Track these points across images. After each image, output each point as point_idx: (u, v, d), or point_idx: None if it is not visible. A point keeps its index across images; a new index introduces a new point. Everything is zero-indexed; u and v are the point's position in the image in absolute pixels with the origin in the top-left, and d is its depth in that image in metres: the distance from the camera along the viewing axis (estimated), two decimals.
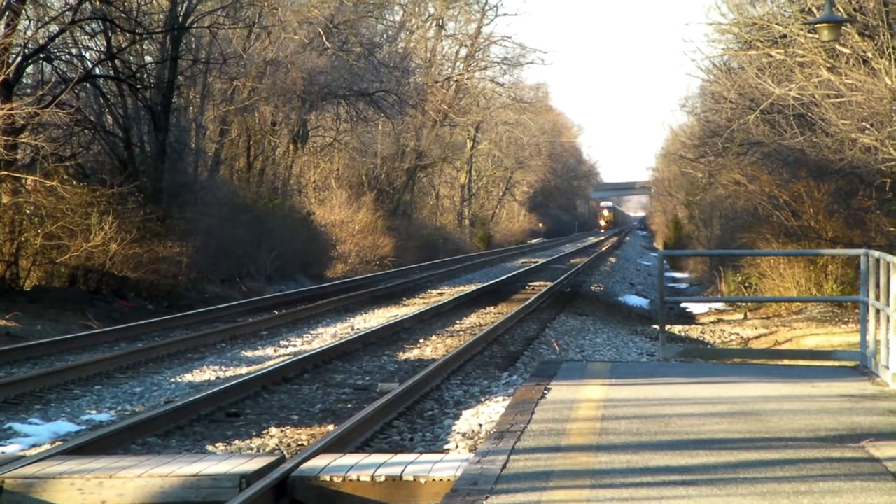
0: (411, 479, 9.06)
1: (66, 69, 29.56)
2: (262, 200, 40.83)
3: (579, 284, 39.10)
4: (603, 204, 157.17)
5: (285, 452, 11.36)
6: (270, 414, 13.80)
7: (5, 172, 26.13)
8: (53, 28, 29.02)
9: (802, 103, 27.40)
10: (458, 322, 25.51)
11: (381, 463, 9.48)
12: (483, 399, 14.41)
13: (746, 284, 33.79)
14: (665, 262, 22.55)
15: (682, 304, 34.42)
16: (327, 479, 9.15)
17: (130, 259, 28.39)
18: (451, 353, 17.95)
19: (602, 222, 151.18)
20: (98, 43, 31.53)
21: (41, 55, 28.42)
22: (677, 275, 55.51)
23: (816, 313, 28.31)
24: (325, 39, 45.34)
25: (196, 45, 36.91)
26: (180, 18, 33.12)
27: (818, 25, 19.40)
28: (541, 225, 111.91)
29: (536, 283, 37.65)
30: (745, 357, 20.14)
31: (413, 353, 19.80)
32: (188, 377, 16.91)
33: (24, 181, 26.91)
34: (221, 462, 9.67)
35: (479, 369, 17.63)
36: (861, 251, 14.72)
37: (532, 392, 12.20)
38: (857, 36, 25.36)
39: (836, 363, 15.63)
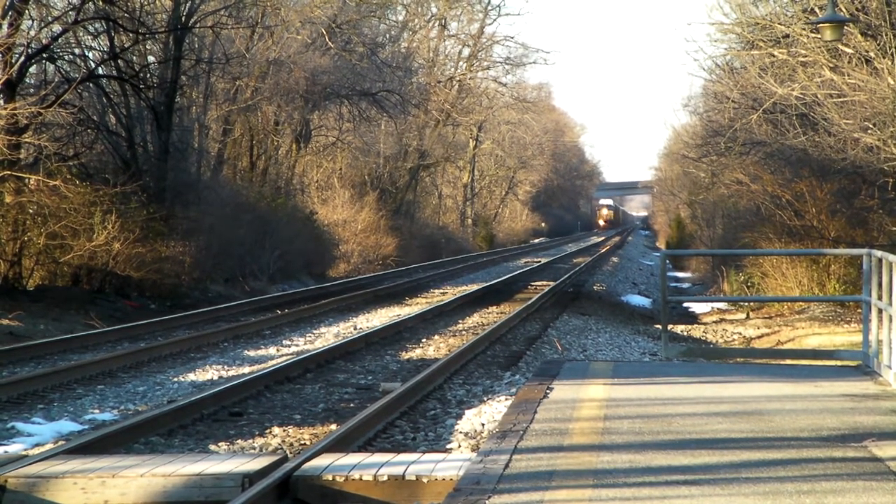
0: (414, 478, 9.07)
1: (69, 69, 29.59)
2: (265, 200, 40.86)
3: (582, 284, 39.10)
4: (602, 202, 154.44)
5: (288, 452, 11.37)
6: (273, 413, 13.81)
7: (9, 172, 26.16)
8: (56, 28, 29.05)
9: (805, 103, 27.41)
10: (460, 321, 25.52)
11: (383, 462, 9.49)
12: (485, 398, 14.41)
13: (749, 284, 33.80)
14: (668, 261, 22.54)
15: (685, 304, 34.42)
16: (330, 478, 9.16)
17: (133, 258, 28.41)
18: (454, 353, 17.96)
19: (601, 221, 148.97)
20: (101, 43, 31.55)
21: (44, 55, 28.45)
22: (680, 274, 55.54)
23: (819, 313, 28.31)
24: (327, 39, 45.37)
25: (199, 44, 36.95)
26: (183, 18, 33.14)
27: (821, 25, 19.41)
28: (543, 225, 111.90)
29: (539, 283, 37.65)
30: (747, 356, 20.15)
31: (416, 353, 19.81)
32: (191, 376, 16.92)
33: (27, 181, 26.94)
34: (224, 461, 9.68)
35: (481, 369, 17.64)
36: (863, 251, 14.71)
37: (534, 391, 12.21)
38: (859, 36, 25.36)
39: (839, 363, 15.64)
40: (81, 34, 30.77)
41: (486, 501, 7.64)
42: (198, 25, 34.23)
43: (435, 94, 62.59)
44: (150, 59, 34.36)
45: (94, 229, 27.61)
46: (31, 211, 27.26)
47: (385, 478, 9.08)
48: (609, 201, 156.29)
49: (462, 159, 75.98)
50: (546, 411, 11.01)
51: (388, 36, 57.77)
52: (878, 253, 13.78)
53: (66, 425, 13.08)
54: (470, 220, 77.80)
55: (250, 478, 9.17)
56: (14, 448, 11.75)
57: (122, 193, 28.41)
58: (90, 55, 31.53)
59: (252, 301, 29.12)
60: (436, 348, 20.42)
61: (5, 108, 25.79)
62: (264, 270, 36.85)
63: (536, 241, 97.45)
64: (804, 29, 26.33)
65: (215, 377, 16.90)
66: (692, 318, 31.23)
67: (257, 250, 36.90)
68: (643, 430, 10.07)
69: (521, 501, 7.66)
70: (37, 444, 12.01)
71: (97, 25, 30.62)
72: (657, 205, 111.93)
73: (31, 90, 29.36)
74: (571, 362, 16.28)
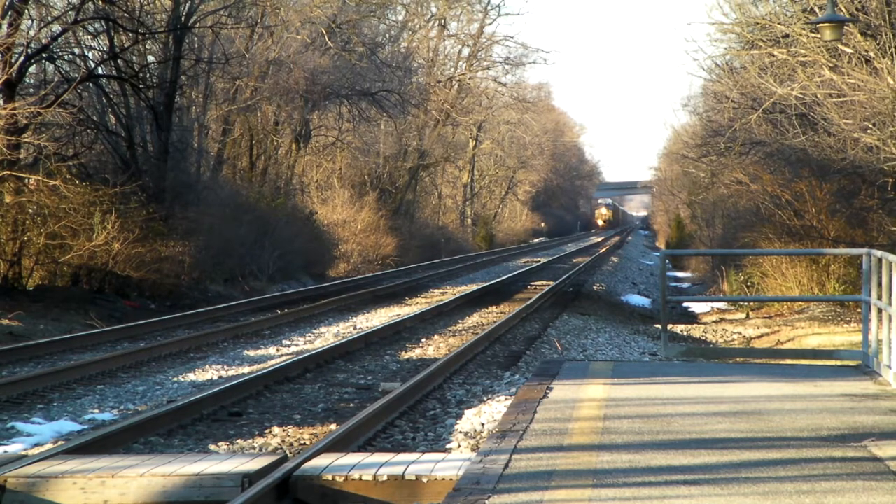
0: (413, 478, 9.07)
1: (68, 69, 29.58)
2: (265, 200, 40.86)
3: (581, 284, 39.08)
4: (601, 201, 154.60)
5: (287, 452, 11.37)
6: (273, 413, 13.81)
7: (8, 172, 26.16)
8: (56, 28, 29.05)
9: (804, 103, 27.41)
10: (460, 321, 25.51)
11: (383, 462, 9.49)
12: (485, 398, 14.41)
13: (749, 284, 33.80)
14: (667, 261, 22.54)
15: (685, 304, 34.43)
16: (329, 478, 9.16)
17: (133, 258, 28.41)
18: (454, 353, 17.96)
19: (600, 221, 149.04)
20: (101, 43, 31.55)
21: (44, 55, 28.45)
22: (680, 274, 55.54)
23: (819, 313, 28.31)
24: (327, 39, 45.37)
25: (199, 44, 36.94)
26: (183, 18, 33.13)
27: (820, 25, 19.40)
28: (543, 224, 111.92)
29: (538, 283, 37.65)
30: (747, 356, 20.15)
31: (415, 353, 19.80)
32: (191, 376, 16.92)
33: (26, 181, 26.94)
34: (224, 461, 9.68)
35: (481, 369, 17.64)
36: (863, 251, 14.71)
37: (534, 391, 12.21)
38: (859, 35, 25.36)
39: (839, 363, 15.64)
40: (81, 34, 30.77)
41: (486, 501, 7.64)
42: (197, 25, 34.22)
43: (435, 94, 62.60)
44: (150, 58, 34.34)
45: (93, 229, 27.60)
46: (30, 211, 27.26)
47: (385, 478, 9.08)
48: (608, 201, 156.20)
49: (462, 159, 75.98)
50: (546, 411, 11.01)
51: (387, 36, 57.78)
52: (878, 253, 13.78)
53: (66, 425, 13.08)
54: (469, 220, 77.80)
55: (250, 478, 9.17)
56: (14, 448, 11.75)
57: (122, 193, 28.41)
58: (90, 55, 31.54)
59: (252, 301, 29.12)
60: (435, 348, 20.42)
61: (5, 108, 25.79)
62: (264, 270, 36.84)
63: (536, 240, 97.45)
64: (804, 29, 26.33)
65: (215, 377, 16.90)
66: (692, 318, 31.23)
67: (257, 250, 36.90)
68: (643, 429, 10.07)
69: (520, 501, 7.66)
70: (36, 444, 12.01)
71: (97, 25, 30.61)
72: (657, 205, 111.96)
73: (31, 90, 29.35)
74: (571, 362, 16.28)
